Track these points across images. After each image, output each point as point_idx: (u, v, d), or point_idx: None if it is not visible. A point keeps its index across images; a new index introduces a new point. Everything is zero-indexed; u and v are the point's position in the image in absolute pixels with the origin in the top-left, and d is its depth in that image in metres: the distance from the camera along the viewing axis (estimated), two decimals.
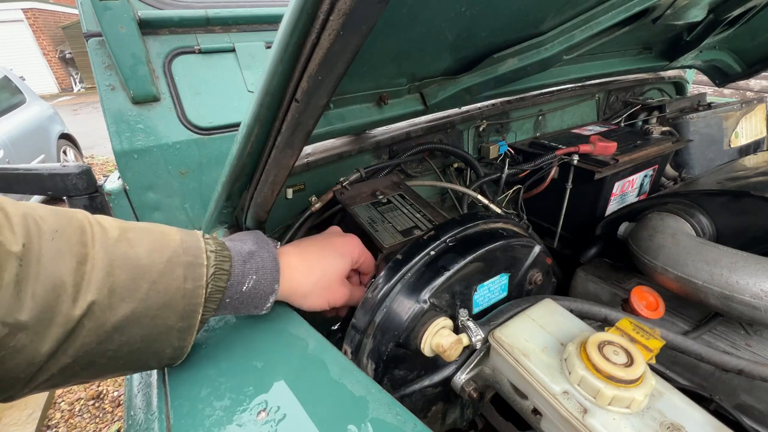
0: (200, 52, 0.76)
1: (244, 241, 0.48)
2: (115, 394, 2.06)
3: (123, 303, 0.35)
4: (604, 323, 0.60)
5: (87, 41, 0.69)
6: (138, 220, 0.77)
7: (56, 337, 0.32)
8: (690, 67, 1.32)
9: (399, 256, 0.57)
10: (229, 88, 0.79)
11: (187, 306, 0.39)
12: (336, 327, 0.68)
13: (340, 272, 0.57)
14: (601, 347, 0.45)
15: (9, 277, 0.30)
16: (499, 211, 0.86)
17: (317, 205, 0.78)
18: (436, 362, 0.59)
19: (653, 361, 0.46)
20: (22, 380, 0.32)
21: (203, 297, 0.40)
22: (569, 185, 1.07)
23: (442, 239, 0.58)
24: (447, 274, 0.54)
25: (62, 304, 0.32)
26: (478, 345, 0.53)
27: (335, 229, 0.65)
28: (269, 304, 0.48)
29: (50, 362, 0.33)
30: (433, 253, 0.57)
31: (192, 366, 0.46)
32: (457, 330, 0.55)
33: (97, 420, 1.92)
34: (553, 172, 1.07)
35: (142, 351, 0.38)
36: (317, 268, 0.54)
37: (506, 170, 1.03)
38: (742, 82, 3.89)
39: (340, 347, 0.51)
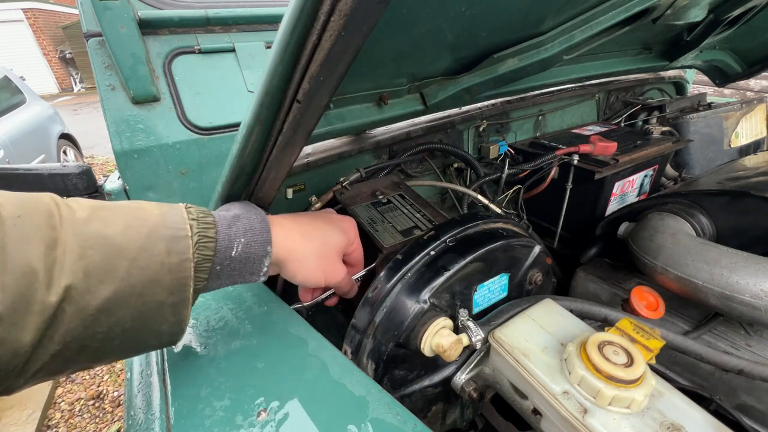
0: (200, 52, 0.76)
1: (229, 208, 0.46)
2: (115, 394, 2.06)
3: (103, 284, 0.34)
4: (604, 323, 0.60)
5: (87, 41, 0.69)
6: None
7: (36, 326, 0.31)
8: (690, 67, 1.32)
9: (399, 256, 0.57)
10: (229, 88, 0.79)
11: (175, 280, 0.38)
12: (302, 305, 0.60)
13: (340, 246, 0.55)
14: (601, 347, 0.45)
15: None
16: (499, 211, 0.86)
17: (317, 205, 0.78)
18: (436, 362, 0.59)
19: (653, 361, 0.46)
20: (12, 372, 0.31)
21: (191, 269, 0.39)
22: (569, 185, 1.07)
23: (442, 239, 0.58)
24: (447, 274, 0.54)
25: (36, 292, 0.31)
26: (478, 345, 0.53)
27: (330, 210, 0.63)
28: (265, 269, 0.46)
29: (38, 351, 0.32)
30: (433, 253, 0.57)
31: (192, 366, 0.46)
32: (457, 330, 0.55)
33: (97, 420, 1.92)
34: (553, 172, 1.07)
35: (136, 330, 0.37)
36: (317, 236, 0.52)
37: (506, 170, 1.03)
38: (742, 82, 3.89)
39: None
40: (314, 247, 0.51)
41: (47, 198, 0.35)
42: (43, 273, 0.31)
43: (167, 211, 0.40)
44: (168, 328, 0.39)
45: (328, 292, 0.59)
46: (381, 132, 0.93)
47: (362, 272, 0.62)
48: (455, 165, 1.07)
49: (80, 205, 0.36)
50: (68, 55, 11.73)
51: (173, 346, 0.50)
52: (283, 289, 0.73)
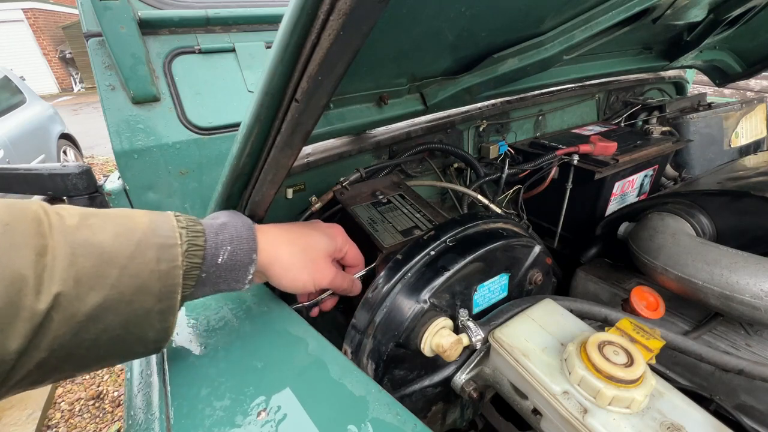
0: (200, 52, 0.76)
1: (216, 217, 0.47)
2: (115, 394, 2.06)
3: (92, 291, 0.34)
4: (604, 323, 0.60)
5: (87, 41, 0.69)
6: None
7: (24, 333, 0.31)
8: (690, 67, 1.32)
9: (399, 256, 0.57)
10: (229, 88, 0.79)
11: (163, 288, 0.38)
12: (302, 304, 0.61)
13: (326, 250, 0.55)
14: (601, 347, 0.45)
15: None
16: (499, 211, 0.86)
17: (317, 205, 0.78)
18: (436, 362, 0.59)
19: (653, 361, 0.46)
20: None
21: (180, 277, 0.39)
22: (569, 185, 1.07)
23: (442, 239, 0.58)
24: (447, 274, 0.54)
25: (25, 299, 0.31)
26: (478, 345, 0.53)
27: (317, 220, 0.64)
28: (250, 276, 0.46)
29: (23, 359, 0.32)
30: (433, 253, 0.57)
31: (192, 366, 0.46)
32: (457, 330, 0.55)
33: (97, 420, 1.92)
34: (553, 172, 1.07)
35: (123, 337, 0.37)
36: (301, 240, 0.52)
37: (506, 170, 1.03)
38: (742, 82, 3.89)
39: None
40: (298, 251, 0.51)
41: (35, 205, 0.35)
42: (32, 280, 0.31)
43: (156, 219, 0.40)
44: (154, 335, 0.40)
45: (327, 293, 0.59)
46: (381, 132, 0.93)
47: (363, 271, 0.63)
48: (455, 165, 1.07)
49: (69, 212, 0.37)
50: (68, 55, 11.73)
51: (173, 345, 0.50)
52: None
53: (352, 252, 0.61)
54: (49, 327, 0.32)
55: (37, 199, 0.37)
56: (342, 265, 0.62)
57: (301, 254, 0.52)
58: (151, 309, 0.38)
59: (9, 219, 0.32)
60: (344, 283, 0.58)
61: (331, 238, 0.56)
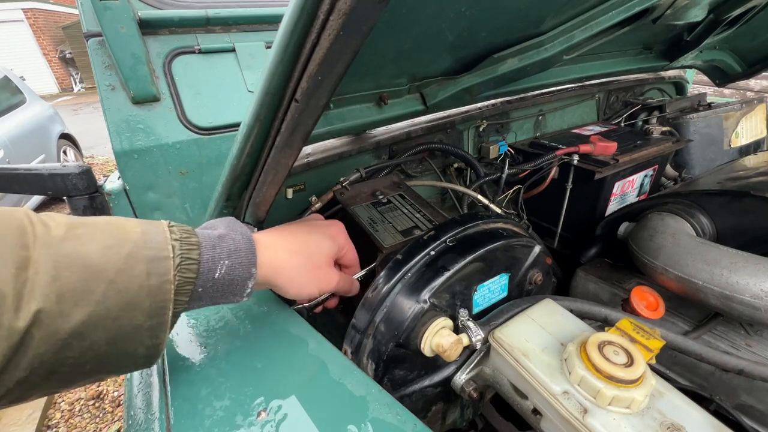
0: (200, 52, 0.76)
1: (215, 227, 0.44)
2: (115, 394, 2.06)
3: (77, 308, 0.32)
4: (604, 323, 0.60)
5: (87, 41, 0.69)
6: None
7: (1, 352, 0.29)
8: (690, 67, 1.32)
9: (399, 256, 0.57)
10: (229, 88, 0.79)
11: (153, 303, 0.36)
12: (302, 306, 0.61)
13: (329, 254, 0.54)
14: (601, 347, 0.45)
15: None
16: (499, 211, 0.86)
17: (317, 205, 0.78)
18: (436, 362, 0.59)
19: (653, 362, 0.46)
20: None
21: (171, 292, 0.37)
22: (569, 185, 1.07)
23: (442, 239, 0.58)
24: (447, 274, 0.54)
25: (3, 316, 0.29)
26: (478, 345, 0.53)
27: (317, 215, 0.63)
28: (249, 290, 0.44)
29: (1, 378, 0.30)
30: (433, 253, 0.57)
31: (192, 366, 0.46)
32: (457, 330, 0.55)
33: (97, 420, 1.92)
34: (553, 172, 1.07)
35: (109, 354, 0.35)
36: (304, 249, 0.50)
37: (506, 170, 1.03)
38: (742, 82, 3.89)
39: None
40: (301, 261, 0.50)
41: (21, 214, 0.33)
42: (11, 296, 0.29)
43: (148, 230, 0.38)
44: (144, 351, 0.37)
45: (327, 293, 0.59)
46: (381, 132, 0.93)
47: (363, 272, 0.63)
48: (455, 165, 1.07)
49: (57, 221, 0.34)
50: (68, 55, 11.73)
51: (173, 345, 0.50)
52: None
53: (351, 253, 0.60)
54: (30, 345, 0.30)
55: (25, 207, 0.35)
56: (338, 264, 0.61)
57: (305, 264, 0.50)
58: (140, 325, 0.36)
59: None
60: (346, 284, 0.58)
61: (332, 240, 0.55)
